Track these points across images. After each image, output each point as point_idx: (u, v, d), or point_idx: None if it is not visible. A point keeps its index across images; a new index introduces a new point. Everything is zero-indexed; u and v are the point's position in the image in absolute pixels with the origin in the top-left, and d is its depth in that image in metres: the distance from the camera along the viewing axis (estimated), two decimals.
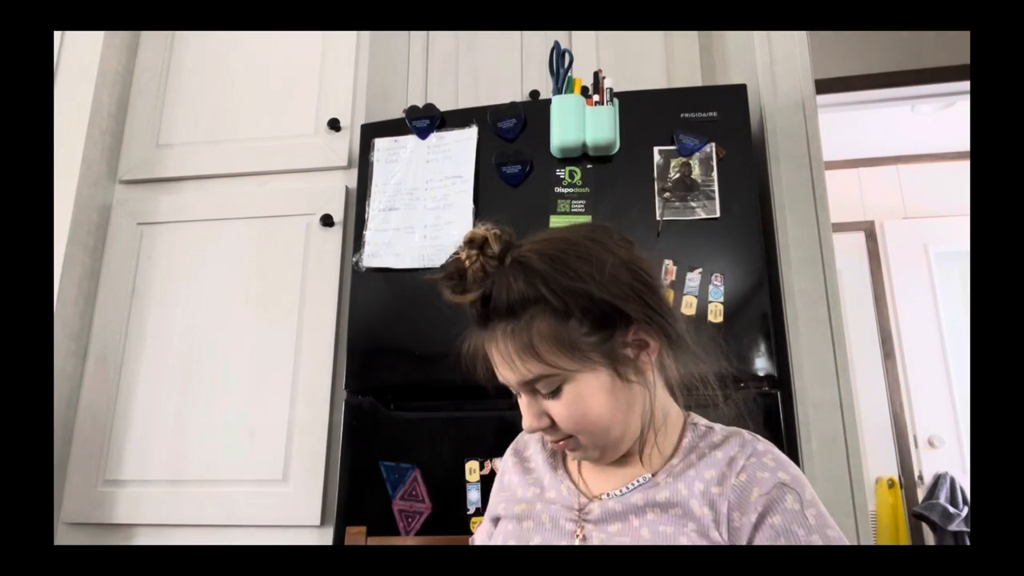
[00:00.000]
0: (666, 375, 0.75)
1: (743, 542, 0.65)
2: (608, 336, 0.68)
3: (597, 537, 0.69)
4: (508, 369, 0.69)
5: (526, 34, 1.87)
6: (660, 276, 0.74)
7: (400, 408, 1.31)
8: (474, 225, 1.34)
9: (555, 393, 0.68)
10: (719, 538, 0.65)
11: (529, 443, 0.84)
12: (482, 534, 0.84)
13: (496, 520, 0.80)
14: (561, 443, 0.72)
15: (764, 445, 0.71)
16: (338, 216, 1.51)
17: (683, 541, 0.65)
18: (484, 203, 1.36)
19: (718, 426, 0.76)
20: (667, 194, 1.29)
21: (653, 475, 0.72)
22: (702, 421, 0.77)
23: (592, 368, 0.68)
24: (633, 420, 0.71)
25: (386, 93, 1.75)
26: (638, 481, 0.72)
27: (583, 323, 0.67)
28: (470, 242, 0.69)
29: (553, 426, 0.70)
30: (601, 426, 0.69)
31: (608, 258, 0.68)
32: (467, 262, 0.68)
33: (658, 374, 0.74)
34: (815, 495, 0.67)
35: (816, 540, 0.63)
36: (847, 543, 0.65)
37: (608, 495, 0.72)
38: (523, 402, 0.71)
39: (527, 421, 0.71)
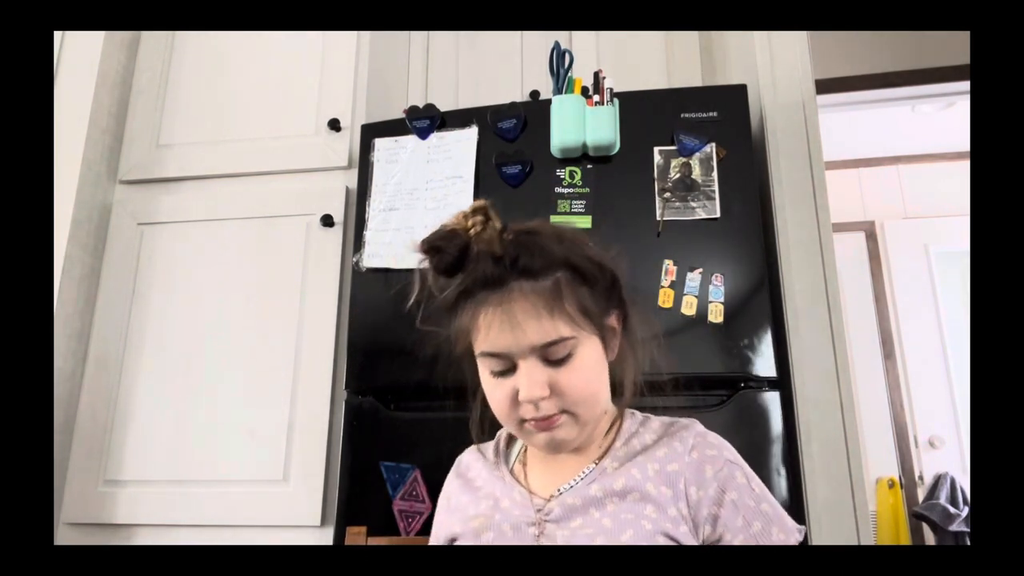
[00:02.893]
0: (611, 370, 0.77)
1: (704, 513, 0.68)
2: (603, 312, 0.72)
3: (561, 535, 0.69)
4: (533, 324, 0.67)
5: (526, 34, 1.87)
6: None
7: (400, 408, 1.31)
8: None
9: (564, 360, 0.68)
10: (677, 514, 0.67)
11: (471, 464, 0.84)
12: None
13: (452, 541, 0.79)
14: (548, 420, 0.69)
15: (701, 427, 0.75)
16: (338, 216, 1.51)
17: (644, 524, 0.67)
18: None
19: (653, 416, 0.79)
20: (667, 194, 1.29)
21: (598, 462, 0.74)
22: (639, 412, 0.79)
23: (598, 336, 0.71)
24: (606, 397, 0.75)
25: (386, 93, 1.75)
26: (586, 471, 0.73)
27: (593, 292, 0.71)
28: (475, 211, 0.70)
29: (550, 398, 0.68)
30: (597, 396, 0.72)
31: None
32: (475, 227, 0.69)
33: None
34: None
35: (765, 507, 0.69)
36: (781, 510, 0.71)
37: (560, 491, 0.73)
38: (523, 371, 0.68)
39: (531, 390, 0.67)
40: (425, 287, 0.72)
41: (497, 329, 0.68)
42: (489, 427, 0.80)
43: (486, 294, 0.69)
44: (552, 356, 0.68)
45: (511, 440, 0.84)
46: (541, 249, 0.69)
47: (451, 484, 0.85)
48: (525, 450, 0.81)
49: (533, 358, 0.68)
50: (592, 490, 0.71)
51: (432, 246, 0.70)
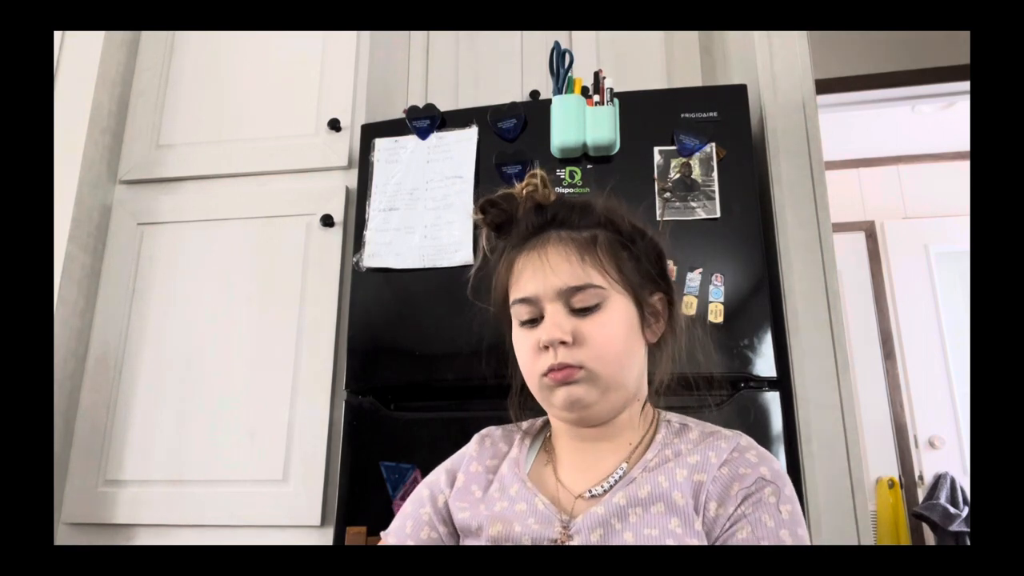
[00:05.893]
0: (650, 355, 0.76)
1: (717, 532, 0.65)
2: (643, 284, 0.73)
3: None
4: (564, 267, 0.69)
5: (526, 34, 1.87)
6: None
7: (400, 408, 1.31)
8: (474, 228, 1.34)
9: (591, 310, 0.69)
10: (701, 528, 0.65)
11: (496, 451, 0.79)
12: (410, 522, 0.78)
13: (444, 515, 0.76)
14: (566, 370, 0.68)
15: (747, 440, 0.71)
16: (338, 216, 1.51)
17: (669, 542, 0.63)
18: None
19: (692, 421, 0.75)
20: (667, 194, 1.29)
21: (628, 461, 0.71)
22: (675, 417, 0.76)
23: (631, 298, 0.71)
24: (635, 372, 0.72)
25: (386, 93, 1.75)
26: (617, 474, 0.70)
27: (633, 259, 0.72)
28: (532, 176, 0.74)
29: (571, 347, 0.67)
30: (621, 359, 0.70)
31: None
32: (529, 188, 0.74)
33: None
34: (794, 494, 0.67)
35: (784, 534, 0.64)
36: (805, 542, 0.65)
37: (590, 492, 0.70)
38: (548, 315, 0.69)
39: (553, 332, 0.67)
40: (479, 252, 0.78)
41: (529, 274, 0.71)
42: (527, 402, 0.77)
43: (524, 243, 0.74)
44: (579, 304, 0.69)
45: (540, 432, 0.81)
46: (584, 207, 0.74)
47: (472, 460, 0.79)
48: (550, 436, 0.78)
49: (559, 304, 0.69)
50: (616, 498, 0.67)
51: (488, 201, 0.76)
